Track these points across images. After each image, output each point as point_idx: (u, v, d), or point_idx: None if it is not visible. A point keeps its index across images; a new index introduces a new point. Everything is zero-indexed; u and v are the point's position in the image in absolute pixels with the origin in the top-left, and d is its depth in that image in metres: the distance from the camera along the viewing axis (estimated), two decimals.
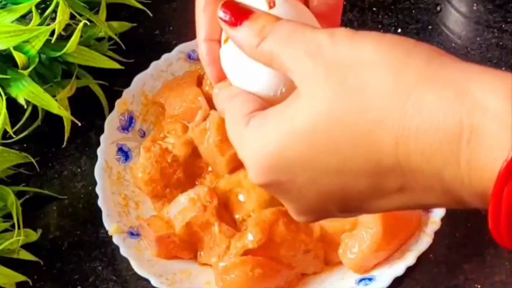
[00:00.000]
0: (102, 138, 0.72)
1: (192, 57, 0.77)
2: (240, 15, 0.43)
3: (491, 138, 0.34)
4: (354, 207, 0.41)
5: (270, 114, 0.41)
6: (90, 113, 0.76)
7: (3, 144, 0.69)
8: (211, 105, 0.72)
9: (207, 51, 0.47)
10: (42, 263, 0.68)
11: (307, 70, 0.39)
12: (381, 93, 0.37)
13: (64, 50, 0.69)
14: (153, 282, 0.64)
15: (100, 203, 0.69)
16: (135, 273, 0.66)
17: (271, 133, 0.41)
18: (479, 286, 0.66)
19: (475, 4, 0.80)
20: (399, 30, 0.80)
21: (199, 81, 0.75)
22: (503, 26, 0.79)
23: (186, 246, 0.67)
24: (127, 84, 0.75)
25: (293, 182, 0.41)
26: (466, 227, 0.68)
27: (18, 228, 0.66)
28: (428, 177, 0.37)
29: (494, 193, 0.34)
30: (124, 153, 0.73)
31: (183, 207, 0.67)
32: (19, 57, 0.68)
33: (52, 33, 0.68)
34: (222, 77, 0.47)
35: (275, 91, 0.44)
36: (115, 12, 0.79)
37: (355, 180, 0.39)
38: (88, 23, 0.70)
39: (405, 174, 0.38)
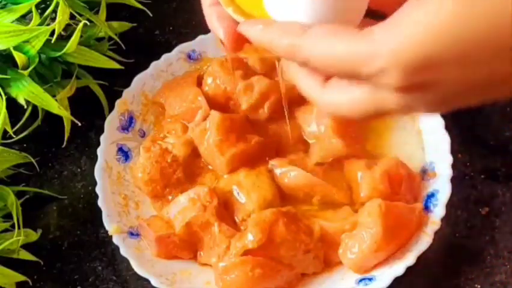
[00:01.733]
0: (102, 138, 0.72)
1: (192, 57, 0.77)
2: None
3: None
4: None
5: (396, 18, 0.38)
6: (90, 113, 0.76)
7: (3, 144, 0.69)
8: (211, 105, 0.72)
9: (216, 15, 0.47)
10: (42, 263, 0.68)
11: None
12: None
13: (64, 50, 0.69)
14: (153, 282, 0.64)
15: (100, 203, 0.69)
16: (135, 273, 0.65)
17: (414, 29, 0.37)
18: (479, 286, 0.66)
19: None
20: None
21: (199, 81, 0.75)
22: None
23: (186, 246, 0.67)
24: (127, 84, 0.75)
25: (440, 82, 0.38)
26: (466, 227, 0.68)
27: (18, 228, 0.66)
28: None
29: None
30: (124, 153, 0.73)
31: (183, 207, 0.67)
32: (19, 57, 0.68)
33: (52, 33, 0.68)
34: (235, 35, 0.46)
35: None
36: (115, 12, 0.79)
37: (501, 61, 0.37)
38: (88, 23, 0.70)
39: None
